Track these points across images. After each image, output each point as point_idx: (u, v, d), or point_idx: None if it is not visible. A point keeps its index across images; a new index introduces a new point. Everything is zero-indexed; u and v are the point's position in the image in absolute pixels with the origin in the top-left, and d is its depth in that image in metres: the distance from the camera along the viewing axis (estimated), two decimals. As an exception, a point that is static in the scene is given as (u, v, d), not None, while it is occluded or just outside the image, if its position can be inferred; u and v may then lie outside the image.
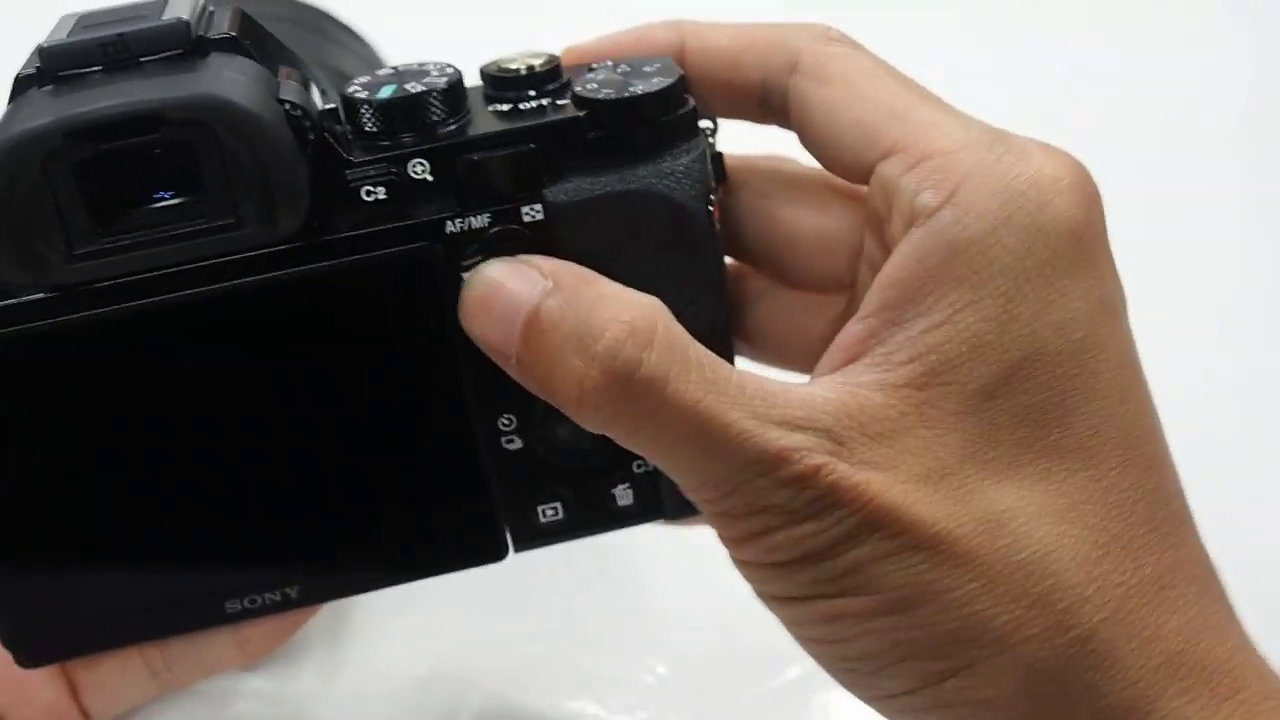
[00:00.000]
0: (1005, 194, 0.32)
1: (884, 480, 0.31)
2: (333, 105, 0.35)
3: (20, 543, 0.36)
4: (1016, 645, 0.31)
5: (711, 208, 0.36)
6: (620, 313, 0.32)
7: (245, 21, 0.34)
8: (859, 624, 0.33)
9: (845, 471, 0.31)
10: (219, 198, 0.32)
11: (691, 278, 0.36)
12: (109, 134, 0.31)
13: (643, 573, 0.49)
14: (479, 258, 0.35)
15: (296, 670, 0.46)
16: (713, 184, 0.36)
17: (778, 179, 0.40)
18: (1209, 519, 0.35)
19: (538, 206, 0.35)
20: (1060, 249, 0.32)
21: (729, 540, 0.34)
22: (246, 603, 0.37)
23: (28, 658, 0.37)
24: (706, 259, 0.36)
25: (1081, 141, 0.74)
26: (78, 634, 0.37)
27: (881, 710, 0.34)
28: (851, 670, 0.34)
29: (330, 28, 0.53)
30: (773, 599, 0.35)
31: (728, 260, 0.39)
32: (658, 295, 0.36)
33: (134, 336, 0.34)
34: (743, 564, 0.34)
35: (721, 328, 0.37)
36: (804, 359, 0.41)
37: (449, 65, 0.36)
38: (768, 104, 0.38)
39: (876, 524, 0.31)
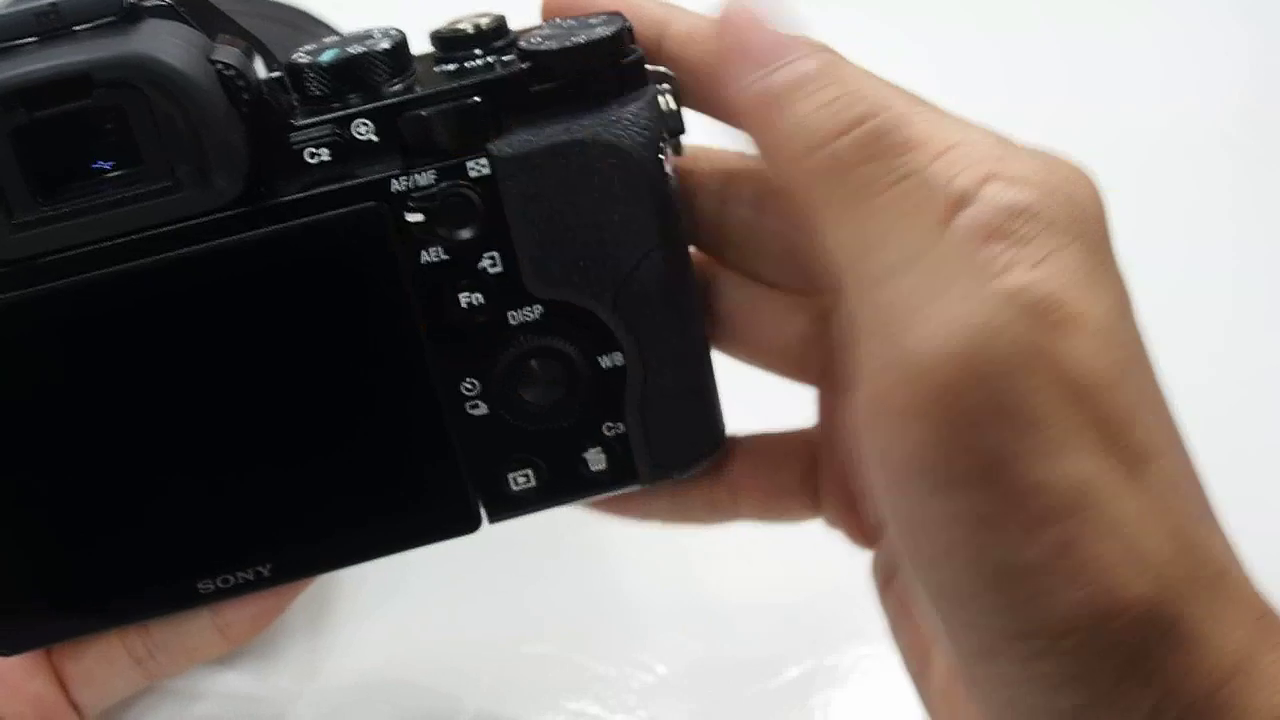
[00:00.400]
0: (1045, 170, 0.31)
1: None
2: (278, 74, 0.35)
3: (12, 543, 0.36)
4: None
5: (662, 155, 0.35)
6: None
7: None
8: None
9: None
10: (154, 162, 0.32)
11: (646, 227, 0.36)
12: (42, 98, 0.31)
13: (642, 572, 0.49)
14: (422, 216, 0.34)
15: (278, 670, 0.46)
16: (663, 132, 0.36)
17: (739, 175, 0.39)
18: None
19: (483, 161, 0.34)
20: (1093, 228, 0.31)
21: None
22: (219, 582, 0.37)
23: (5, 645, 0.37)
24: (660, 207, 0.36)
25: (1081, 141, 0.74)
26: (54, 620, 0.37)
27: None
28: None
29: (305, 22, 0.53)
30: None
31: (693, 251, 0.38)
32: (611, 246, 0.35)
33: (81, 311, 0.34)
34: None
35: (682, 280, 0.37)
36: (778, 358, 0.40)
37: (393, 28, 0.36)
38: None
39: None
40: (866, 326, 0.31)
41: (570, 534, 0.39)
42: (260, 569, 0.37)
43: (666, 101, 0.37)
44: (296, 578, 0.38)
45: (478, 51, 0.36)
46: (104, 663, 0.40)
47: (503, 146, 0.34)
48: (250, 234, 0.34)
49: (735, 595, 0.49)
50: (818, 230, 0.32)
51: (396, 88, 0.35)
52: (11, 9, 0.33)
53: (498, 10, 0.37)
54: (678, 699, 0.46)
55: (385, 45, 0.35)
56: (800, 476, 0.41)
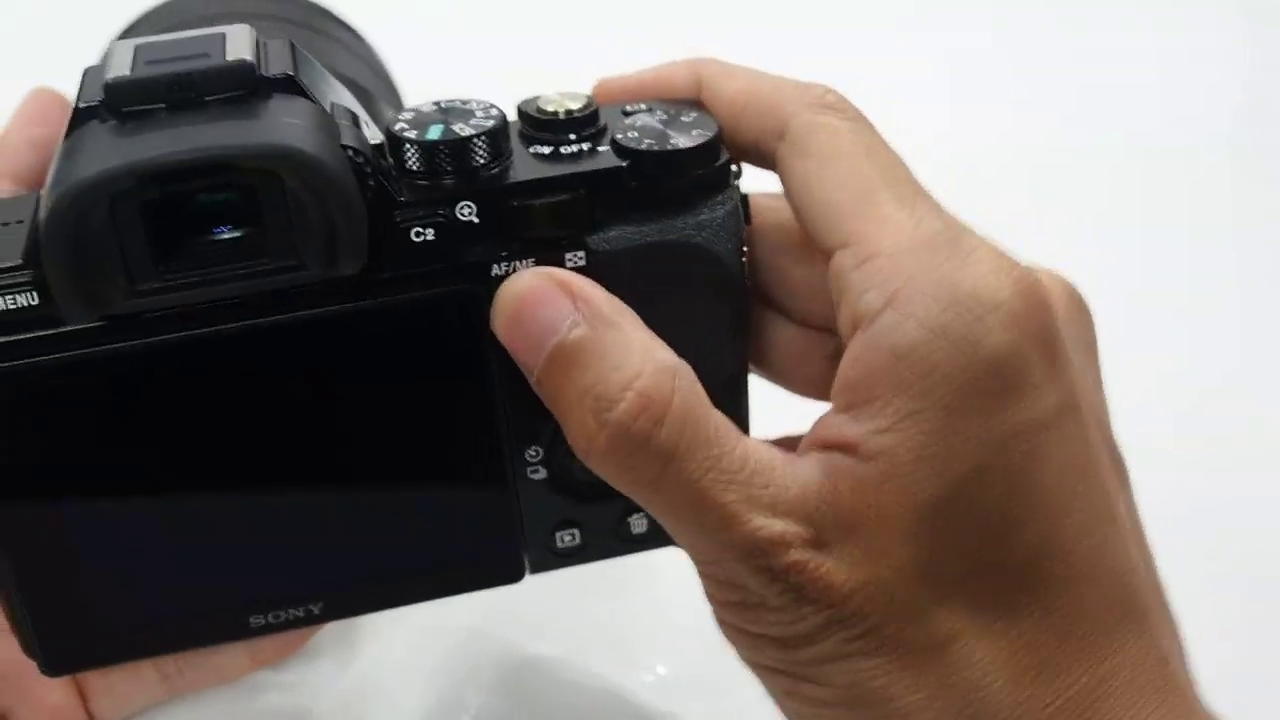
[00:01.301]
0: (944, 302, 0.32)
1: (850, 583, 0.32)
2: (377, 140, 0.36)
3: (53, 556, 0.36)
4: None
5: (744, 258, 0.37)
6: (640, 375, 0.33)
7: (298, 58, 0.35)
8: (815, 707, 0.34)
9: (817, 570, 0.32)
10: (280, 238, 0.33)
11: (720, 324, 0.38)
12: (178, 179, 0.31)
13: (642, 572, 0.50)
14: None
15: (309, 668, 0.46)
16: (744, 234, 0.37)
17: (771, 222, 0.40)
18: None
19: (580, 254, 0.36)
20: (998, 363, 0.32)
21: (711, 599, 0.36)
22: (270, 618, 0.38)
23: (50, 666, 0.38)
24: (736, 306, 0.38)
25: (1080, 140, 0.75)
26: (101, 644, 0.38)
27: None
28: None
29: (332, 28, 0.52)
30: (746, 660, 0.36)
31: None
32: (686, 340, 0.37)
33: (179, 363, 0.35)
34: (721, 623, 0.36)
35: (740, 373, 0.39)
36: (807, 384, 0.42)
37: (493, 106, 0.37)
38: (763, 160, 0.38)
39: (840, 624, 0.33)
40: None
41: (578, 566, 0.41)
42: (311, 608, 0.39)
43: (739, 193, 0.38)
44: (343, 617, 0.40)
45: (571, 137, 0.37)
46: (130, 677, 0.41)
47: (600, 241, 0.36)
48: (354, 305, 0.35)
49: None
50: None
51: (495, 171, 0.36)
52: (140, 74, 0.33)
53: (579, 89, 0.38)
54: (678, 699, 0.47)
55: (489, 126, 0.36)
56: None
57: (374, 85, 0.50)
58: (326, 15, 0.53)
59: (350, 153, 0.33)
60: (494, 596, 0.47)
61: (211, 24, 0.36)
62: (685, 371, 0.34)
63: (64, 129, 0.33)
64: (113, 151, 0.31)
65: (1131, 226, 0.69)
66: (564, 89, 0.38)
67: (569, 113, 0.37)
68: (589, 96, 0.38)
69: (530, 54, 0.78)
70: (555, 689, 0.47)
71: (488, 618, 0.48)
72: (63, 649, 0.38)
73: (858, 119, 0.37)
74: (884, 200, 0.34)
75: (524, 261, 0.36)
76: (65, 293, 0.32)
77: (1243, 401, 0.59)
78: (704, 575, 0.35)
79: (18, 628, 0.37)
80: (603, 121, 0.38)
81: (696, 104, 0.39)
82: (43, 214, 0.31)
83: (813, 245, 0.36)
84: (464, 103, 0.37)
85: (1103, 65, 0.80)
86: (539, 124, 0.37)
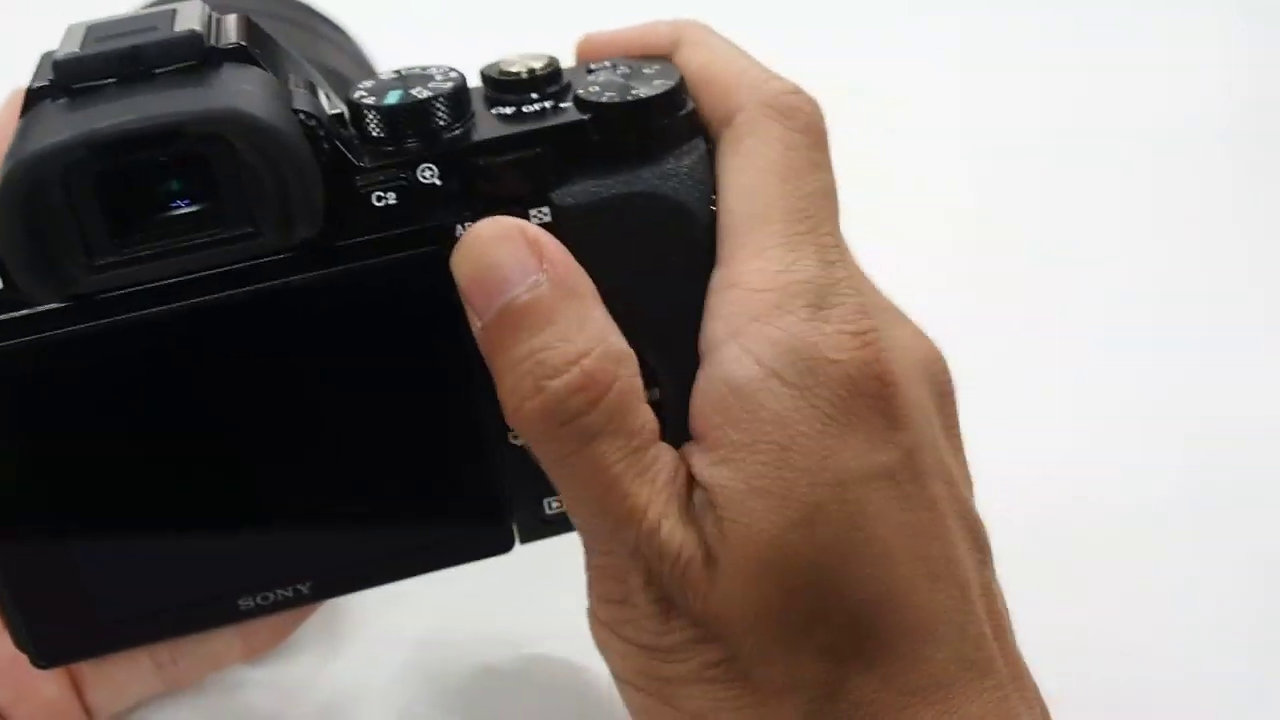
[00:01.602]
0: (785, 346, 0.33)
1: (718, 608, 0.32)
2: (338, 110, 0.36)
3: (37, 545, 0.36)
4: None
5: (712, 207, 0.37)
6: (588, 355, 0.33)
7: (252, 30, 0.35)
8: None
9: (696, 587, 0.32)
10: (236, 207, 0.33)
11: (694, 274, 0.37)
12: (129, 147, 0.31)
13: None
14: None
15: (291, 664, 0.46)
16: (714, 186, 0.37)
17: None
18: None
19: (545, 209, 0.35)
20: (831, 410, 0.33)
21: (592, 592, 0.35)
22: (259, 600, 0.38)
23: (42, 658, 0.38)
24: (707, 257, 0.37)
25: (1078, 140, 0.75)
26: (92, 635, 0.38)
27: None
28: None
29: (317, 24, 0.53)
30: (614, 673, 0.36)
31: None
32: (660, 291, 0.37)
33: (149, 342, 0.35)
34: (596, 623, 0.36)
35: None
36: None
37: (452, 69, 0.36)
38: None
39: (703, 645, 0.33)
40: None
41: (571, 534, 0.41)
42: (300, 587, 0.38)
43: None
44: (334, 595, 0.39)
45: (534, 96, 0.37)
46: (125, 667, 0.41)
47: (564, 196, 0.35)
48: (318, 273, 0.34)
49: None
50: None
51: (457, 132, 0.36)
52: (89, 50, 0.33)
53: (537, 49, 0.38)
54: None
55: (447, 88, 0.35)
56: None
57: (357, 77, 0.50)
58: (313, 13, 0.53)
59: (302, 116, 0.33)
60: (492, 596, 0.47)
61: None
62: (630, 362, 0.34)
63: None
64: (63, 125, 0.31)
65: (1129, 225, 0.69)
66: (527, 50, 0.38)
67: (531, 71, 0.37)
68: (551, 56, 0.38)
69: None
70: (555, 691, 0.46)
71: (487, 617, 0.48)
72: (53, 641, 0.38)
73: (806, 130, 0.36)
74: (772, 233, 0.34)
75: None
76: (23, 270, 0.32)
77: (1241, 402, 0.59)
78: (591, 565, 0.35)
79: (8, 621, 0.37)
80: (566, 80, 0.37)
81: (663, 58, 0.38)
82: None
83: None
84: (424, 68, 0.37)
85: (1100, 62, 0.79)
86: (501, 85, 0.37)
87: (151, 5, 0.41)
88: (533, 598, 0.46)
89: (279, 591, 0.38)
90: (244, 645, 0.41)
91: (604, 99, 0.36)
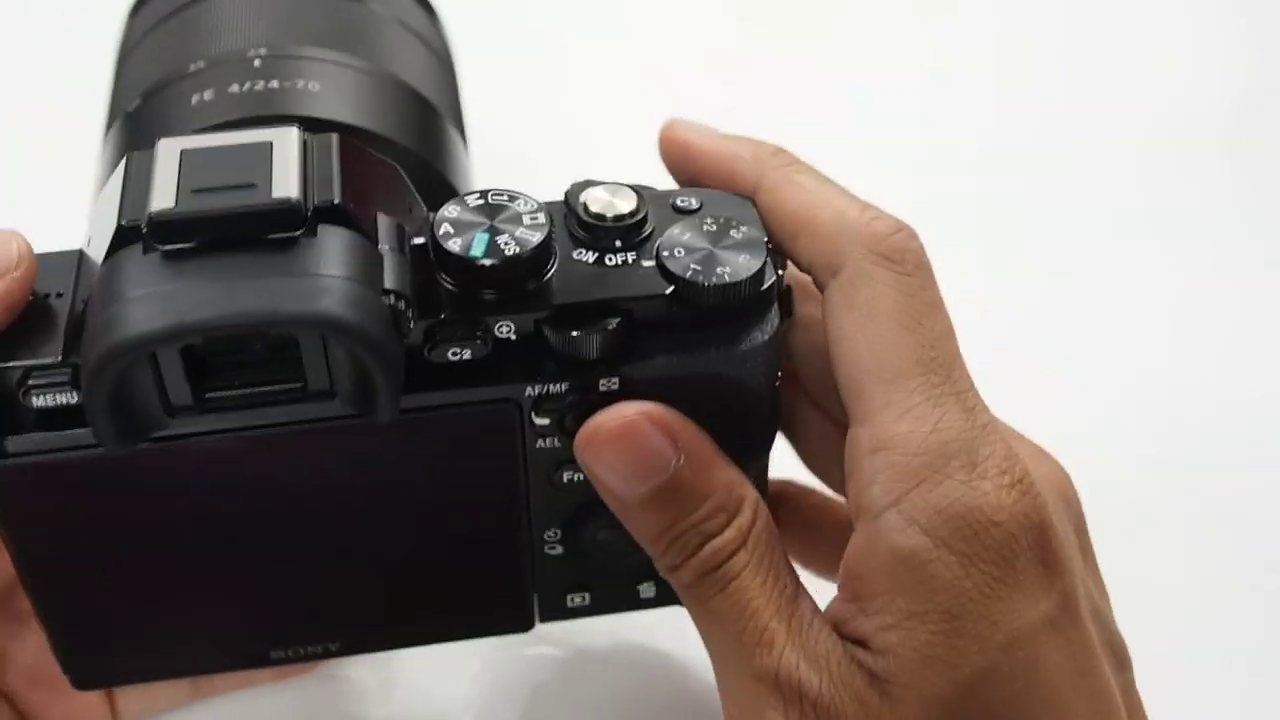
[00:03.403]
0: (949, 514, 0.33)
1: None
2: (420, 241, 0.35)
3: (91, 585, 0.38)
4: None
5: (776, 384, 0.37)
6: (738, 514, 0.35)
7: (346, 165, 0.34)
8: None
9: None
10: (318, 375, 0.33)
11: (744, 445, 0.38)
12: (219, 333, 0.31)
13: None
14: (548, 421, 0.36)
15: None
16: (781, 360, 0.37)
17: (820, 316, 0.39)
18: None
19: (615, 380, 0.36)
20: (998, 576, 0.33)
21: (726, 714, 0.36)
22: (290, 652, 0.40)
23: (80, 681, 0.40)
24: (761, 431, 0.38)
25: (1076, 139, 0.73)
26: (130, 665, 0.40)
27: None
28: None
29: (402, 6, 0.49)
30: None
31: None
32: None
33: (204, 456, 0.35)
34: None
35: (761, 473, 0.40)
36: (831, 480, 0.43)
37: (539, 210, 0.36)
38: (816, 283, 0.38)
39: None
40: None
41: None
42: (329, 645, 0.41)
43: (780, 278, 0.38)
44: (359, 654, 0.42)
45: (618, 244, 0.36)
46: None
47: (637, 370, 0.36)
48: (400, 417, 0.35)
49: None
50: None
51: (534, 286, 0.35)
52: (188, 209, 0.32)
53: (631, 179, 0.38)
54: (675, 698, 0.48)
55: (534, 241, 0.35)
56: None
57: (439, 91, 0.47)
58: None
59: (392, 298, 0.33)
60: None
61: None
62: (762, 503, 0.36)
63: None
64: (152, 305, 0.31)
65: (1127, 224, 0.68)
66: (614, 182, 0.37)
67: (618, 218, 0.36)
68: (638, 196, 0.37)
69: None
70: (555, 691, 0.48)
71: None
72: (92, 667, 0.40)
73: (916, 271, 0.36)
74: (912, 389, 0.34)
75: (558, 385, 0.36)
76: (104, 434, 0.32)
77: (1240, 401, 0.59)
78: (723, 691, 0.36)
79: (54, 644, 0.39)
80: (650, 227, 0.37)
81: (749, 207, 0.38)
82: (83, 360, 0.31)
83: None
84: (511, 199, 0.36)
85: (1097, 62, 0.77)
86: (585, 225, 0.37)
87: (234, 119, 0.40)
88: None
89: (309, 647, 0.40)
90: (276, 670, 0.43)
91: (688, 274, 0.35)
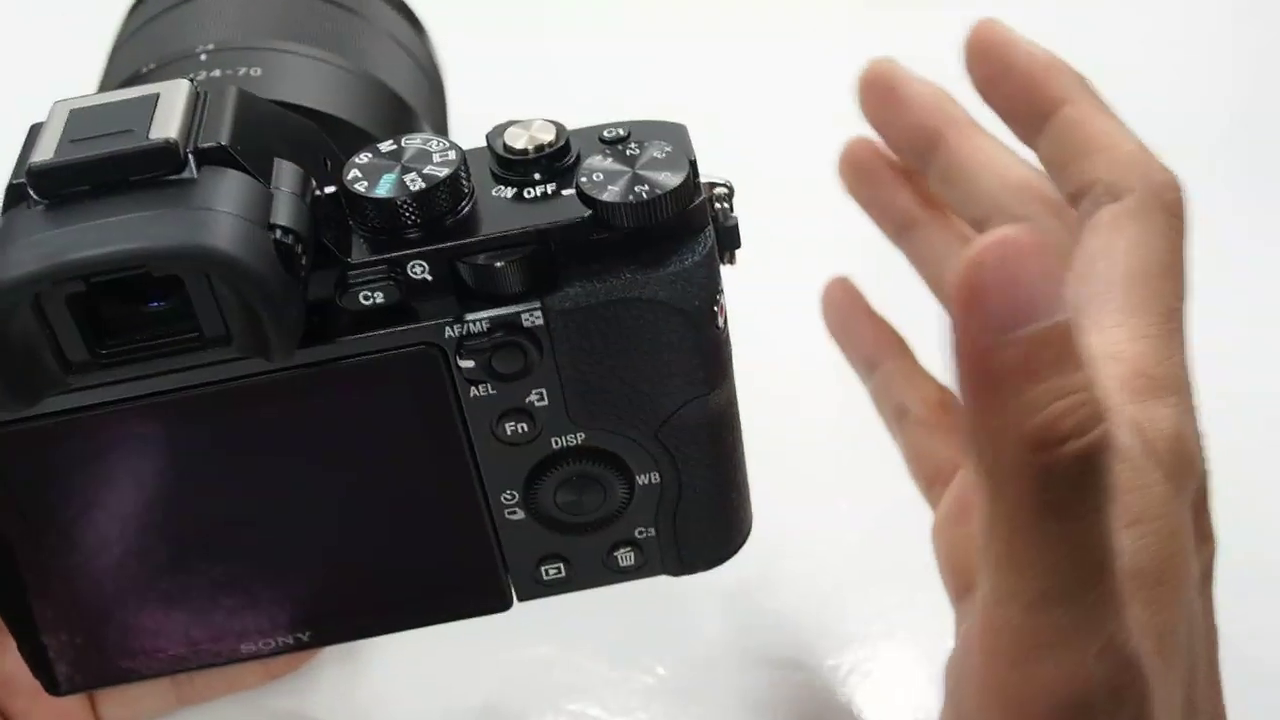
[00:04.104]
0: (1167, 435, 0.33)
1: None
2: (332, 190, 0.35)
3: (52, 588, 0.38)
4: None
5: (717, 308, 0.35)
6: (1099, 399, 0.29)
7: (239, 113, 0.33)
8: None
9: None
10: (209, 320, 0.32)
11: (695, 374, 0.36)
12: (96, 273, 0.31)
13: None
14: (473, 363, 0.34)
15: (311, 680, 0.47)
16: (719, 284, 0.35)
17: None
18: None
19: (537, 312, 0.34)
20: (1195, 509, 0.34)
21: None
22: (261, 644, 0.39)
23: (54, 686, 0.39)
24: (710, 357, 0.36)
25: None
26: (101, 667, 0.39)
27: None
28: None
29: (382, 13, 0.49)
30: None
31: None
32: (659, 389, 0.36)
33: (139, 427, 0.35)
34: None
35: (725, 416, 0.37)
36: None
37: (450, 147, 0.35)
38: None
39: None
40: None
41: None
42: (300, 635, 0.39)
43: (725, 211, 0.36)
44: (333, 643, 0.40)
45: (537, 176, 0.35)
46: (141, 683, 0.42)
47: (559, 300, 0.34)
48: (305, 368, 0.34)
49: (736, 597, 0.51)
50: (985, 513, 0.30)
51: (452, 221, 0.34)
52: (67, 157, 0.31)
53: (556, 115, 0.36)
54: (678, 700, 0.47)
55: (443, 175, 0.34)
56: None
57: (414, 92, 0.47)
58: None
59: (278, 233, 0.31)
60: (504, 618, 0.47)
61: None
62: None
63: None
64: (32, 249, 0.30)
65: None
66: (534, 118, 0.36)
67: (538, 148, 0.35)
68: (558, 128, 0.36)
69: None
70: (555, 690, 0.47)
71: (486, 620, 0.48)
72: (64, 671, 0.39)
73: (1184, 232, 0.37)
74: (1153, 320, 0.35)
75: (477, 322, 0.34)
76: None
77: (1241, 401, 0.55)
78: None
79: (24, 652, 0.38)
80: (573, 156, 0.35)
81: (681, 131, 0.36)
82: None
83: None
84: (423, 141, 0.35)
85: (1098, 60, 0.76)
86: (504, 162, 0.35)
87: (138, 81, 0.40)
88: (533, 608, 0.47)
89: (280, 639, 0.39)
90: (263, 669, 0.42)
91: (605, 195, 0.34)
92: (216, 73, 0.41)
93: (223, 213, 0.31)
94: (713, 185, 0.36)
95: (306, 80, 0.42)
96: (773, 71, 0.73)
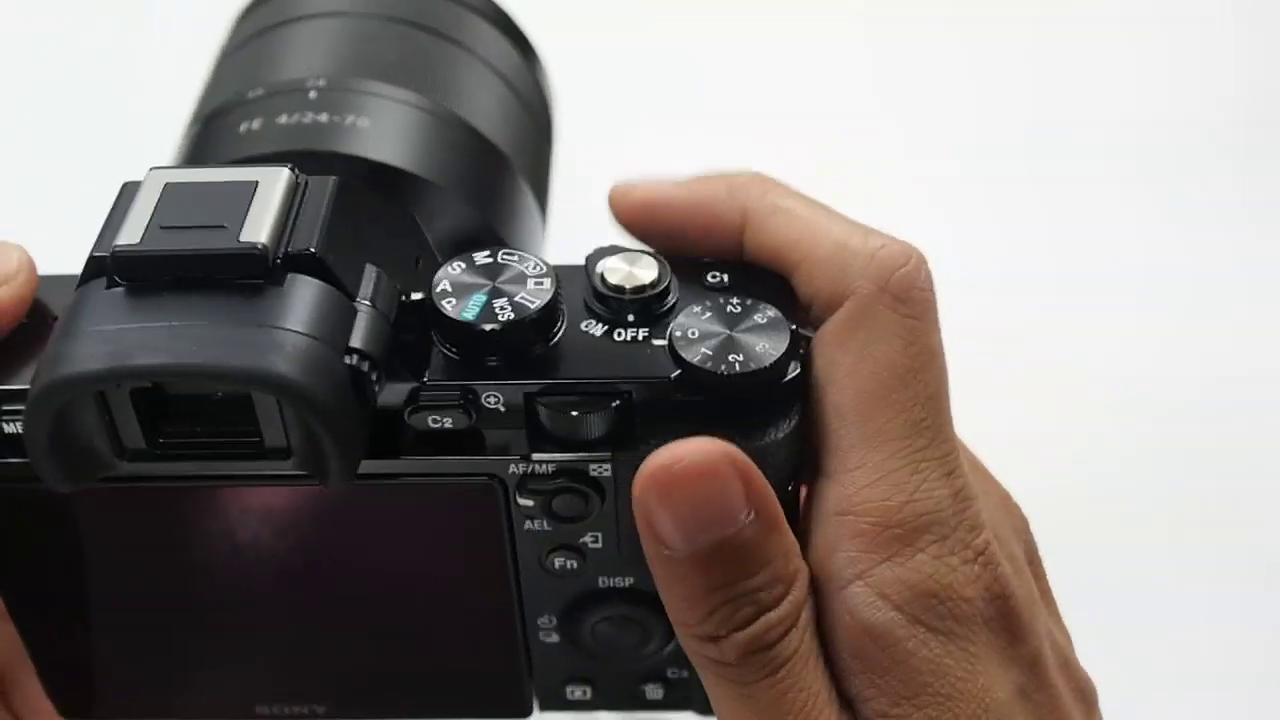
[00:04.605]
0: (920, 589, 0.32)
1: None
2: (420, 297, 0.33)
3: (68, 623, 0.38)
4: None
5: (791, 486, 0.34)
6: (792, 587, 0.32)
7: (335, 215, 0.32)
8: None
9: None
10: (274, 431, 0.31)
11: None
12: (163, 380, 0.30)
13: None
14: (533, 503, 0.33)
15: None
16: (800, 461, 0.34)
17: None
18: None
19: (607, 466, 0.33)
20: (973, 648, 0.33)
21: None
22: (275, 709, 0.39)
23: (64, 709, 0.39)
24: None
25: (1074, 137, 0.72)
26: (113, 700, 0.39)
27: None
28: None
29: (481, 39, 0.47)
30: None
31: None
32: None
33: (190, 503, 0.34)
34: None
35: None
36: None
37: (545, 274, 0.33)
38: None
39: None
40: None
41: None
42: (316, 707, 0.39)
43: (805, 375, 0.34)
44: (346, 719, 0.40)
45: (631, 319, 0.33)
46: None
47: (631, 456, 0.33)
48: (366, 481, 0.33)
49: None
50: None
51: (538, 353, 0.33)
52: (154, 246, 0.30)
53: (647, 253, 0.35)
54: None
55: (535, 305, 0.33)
56: None
57: (513, 136, 0.44)
58: (483, 16, 0.48)
59: (355, 358, 0.30)
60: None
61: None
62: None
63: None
64: (97, 345, 0.29)
65: (1125, 223, 0.68)
66: (637, 249, 0.35)
67: (636, 289, 0.34)
68: (660, 266, 0.34)
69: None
70: None
71: None
72: (74, 699, 0.39)
73: (922, 314, 0.33)
74: (893, 450, 0.32)
75: (543, 464, 0.33)
76: (44, 471, 0.31)
77: (1240, 401, 0.60)
78: None
79: (38, 671, 0.38)
80: (672, 300, 0.34)
81: (785, 286, 0.34)
82: (29, 394, 0.30)
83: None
84: (521, 260, 0.34)
85: (1096, 60, 0.77)
86: (600, 296, 0.34)
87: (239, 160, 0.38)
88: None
89: (294, 707, 0.39)
90: None
91: (698, 360, 0.32)
92: (324, 117, 0.39)
93: (300, 335, 0.30)
94: (808, 340, 0.34)
95: (408, 135, 0.40)
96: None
